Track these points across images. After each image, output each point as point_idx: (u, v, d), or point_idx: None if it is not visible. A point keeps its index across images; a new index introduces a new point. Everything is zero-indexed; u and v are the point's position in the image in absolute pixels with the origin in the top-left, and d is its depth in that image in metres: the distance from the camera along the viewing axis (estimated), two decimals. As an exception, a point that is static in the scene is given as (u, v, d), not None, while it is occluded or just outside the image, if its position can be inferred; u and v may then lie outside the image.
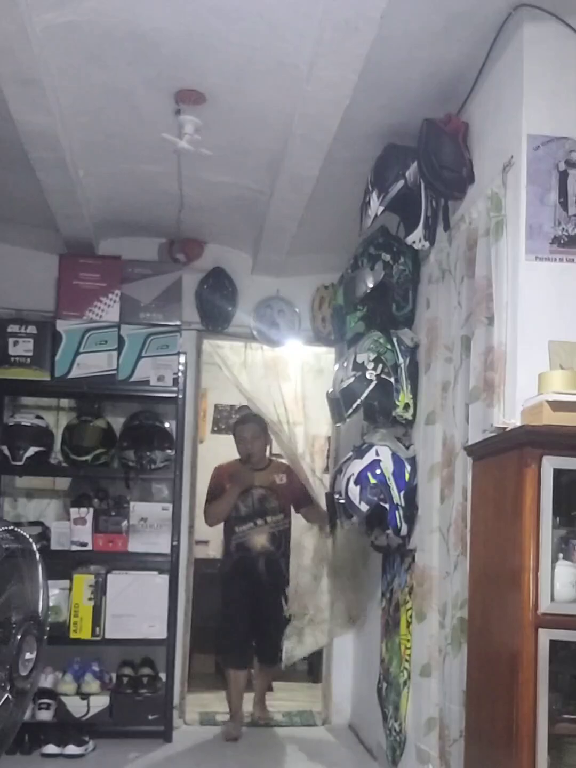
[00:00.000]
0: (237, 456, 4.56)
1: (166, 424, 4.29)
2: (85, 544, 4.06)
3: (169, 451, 4.21)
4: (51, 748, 3.74)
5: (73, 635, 4.01)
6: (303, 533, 4.53)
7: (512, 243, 2.43)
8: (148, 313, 4.21)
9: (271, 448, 4.74)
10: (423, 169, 2.85)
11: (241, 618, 4.33)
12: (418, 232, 3.03)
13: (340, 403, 3.41)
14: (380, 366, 3.25)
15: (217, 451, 5.12)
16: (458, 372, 2.75)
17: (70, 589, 4.05)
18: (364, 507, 3.22)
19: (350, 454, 3.48)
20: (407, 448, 3.33)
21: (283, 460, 4.68)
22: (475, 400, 2.51)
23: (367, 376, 3.25)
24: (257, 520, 4.36)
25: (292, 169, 3.30)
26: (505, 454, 2.23)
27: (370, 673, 3.93)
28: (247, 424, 4.49)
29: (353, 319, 3.65)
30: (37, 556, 2.61)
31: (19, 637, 2.43)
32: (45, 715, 3.86)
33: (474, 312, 2.57)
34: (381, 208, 2.97)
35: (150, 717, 3.94)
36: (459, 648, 2.57)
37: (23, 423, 4.11)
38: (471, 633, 2.47)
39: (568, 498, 2.15)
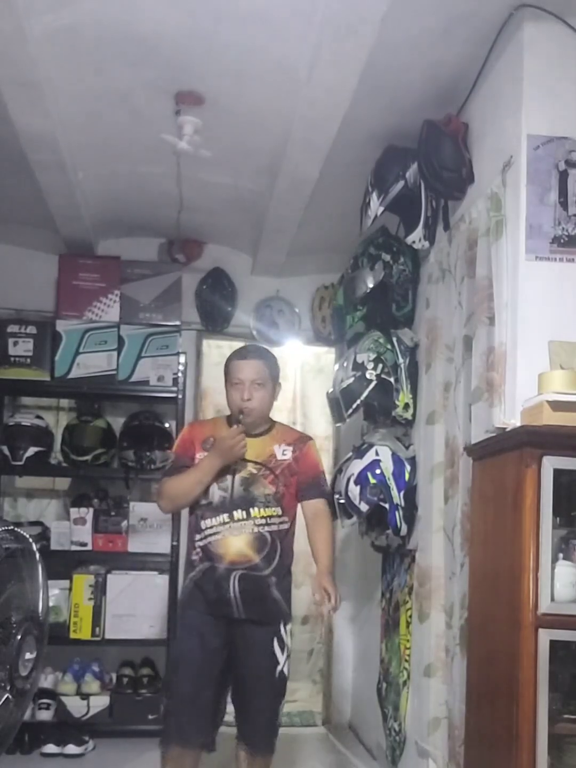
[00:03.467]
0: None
1: (166, 424, 4.29)
2: (85, 544, 4.06)
3: (169, 451, 4.20)
4: (51, 748, 3.74)
5: (73, 635, 4.00)
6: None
7: (512, 243, 2.43)
8: (147, 313, 4.21)
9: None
10: (423, 169, 2.85)
11: (199, 677, 2.74)
12: (418, 232, 3.03)
13: (340, 403, 3.41)
14: (380, 366, 3.25)
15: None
16: (459, 372, 2.75)
17: (70, 589, 4.04)
18: (364, 507, 3.22)
19: (350, 454, 3.48)
20: (407, 448, 3.33)
21: (295, 426, 3.50)
22: (478, 400, 2.51)
23: (367, 376, 3.25)
24: (236, 512, 2.76)
25: (291, 171, 3.30)
26: (505, 454, 2.23)
27: (370, 673, 3.93)
28: (248, 359, 2.85)
29: (353, 319, 3.65)
30: (37, 556, 2.61)
31: (19, 637, 2.43)
32: (45, 715, 3.86)
33: (475, 312, 2.57)
34: (381, 209, 2.97)
35: (150, 717, 3.93)
36: (466, 648, 2.56)
37: (23, 423, 4.11)
38: (471, 633, 2.47)
39: (568, 498, 2.15)
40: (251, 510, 2.76)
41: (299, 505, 2.88)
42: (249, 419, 2.78)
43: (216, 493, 2.78)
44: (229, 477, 2.78)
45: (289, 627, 2.83)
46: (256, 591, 2.74)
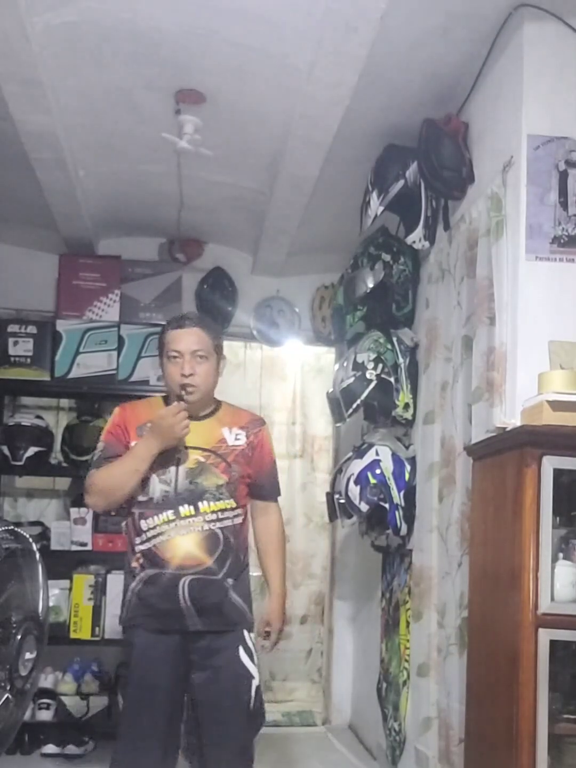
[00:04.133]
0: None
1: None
2: (85, 544, 4.06)
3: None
4: (51, 748, 3.74)
5: (73, 635, 4.00)
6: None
7: (512, 243, 2.42)
8: (148, 313, 4.21)
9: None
10: (423, 169, 2.85)
11: (154, 719, 2.39)
12: (418, 232, 3.03)
13: (340, 403, 3.41)
14: (380, 366, 3.25)
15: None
16: (458, 372, 2.75)
17: (70, 589, 4.04)
18: (364, 507, 3.22)
19: (350, 454, 3.48)
20: (407, 447, 3.33)
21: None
22: (478, 400, 2.51)
23: (367, 376, 3.25)
24: (183, 507, 2.42)
25: (292, 169, 3.30)
26: (505, 454, 2.23)
27: (370, 673, 3.93)
28: (186, 328, 2.48)
29: (353, 319, 3.65)
30: (37, 556, 2.60)
31: (19, 637, 2.42)
32: (45, 715, 3.85)
33: (475, 312, 2.57)
34: (381, 208, 2.97)
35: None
36: (465, 647, 2.56)
37: (23, 423, 4.10)
38: (471, 633, 2.47)
39: (568, 498, 2.15)
40: (200, 504, 2.38)
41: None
42: (193, 397, 2.41)
43: (157, 488, 2.40)
44: (172, 468, 2.40)
45: (252, 635, 2.46)
46: (210, 597, 2.38)
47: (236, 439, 2.50)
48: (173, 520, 2.39)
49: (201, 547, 2.39)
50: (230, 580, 2.41)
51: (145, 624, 2.41)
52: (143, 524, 2.42)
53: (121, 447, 2.45)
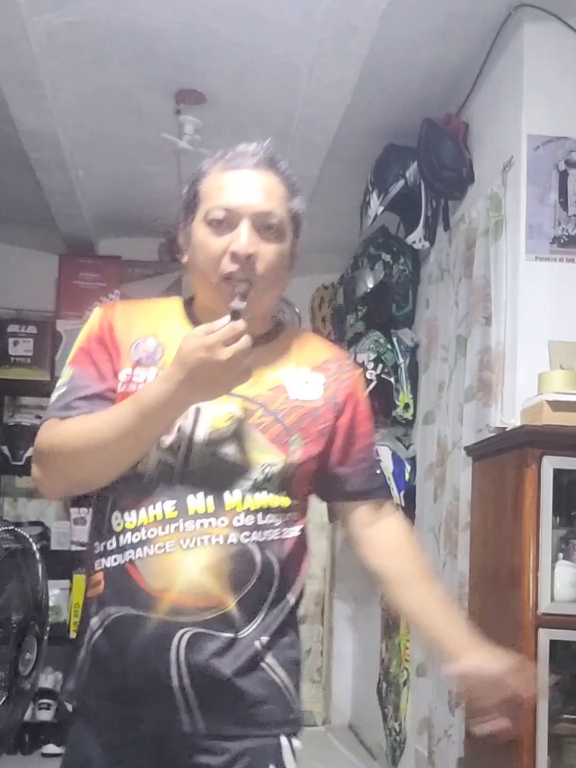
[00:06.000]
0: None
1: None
2: (85, 544, 4.05)
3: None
4: (51, 748, 3.73)
5: (73, 635, 4.00)
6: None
7: (512, 243, 2.42)
8: (148, 313, 4.21)
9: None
10: (423, 169, 2.85)
11: None
12: (418, 232, 3.03)
13: (340, 403, 3.40)
14: (380, 366, 3.25)
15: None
16: (453, 372, 2.75)
17: (70, 589, 4.04)
18: (364, 507, 3.22)
19: (350, 454, 3.47)
20: (407, 448, 3.33)
21: (324, 340, 1.49)
22: (471, 399, 2.51)
23: (367, 376, 3.25)
24: (192, 497, 1.24)
25: (292, 169, 3.30)
26: (505, 454, 2.23)
27: (370, 673, 3.92)
28: (249, 168, 1.33)
29: (353, 319, 3.65)
30: (37, 555, 2.61)
31: (19, 637, 2.43)
32: (45, 715, 3.85)
33: (471, 312, 2.57)
34: (381, 208, 2.97)
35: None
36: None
37: (23, 423, 4.11)
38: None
39: (568, 498, 2.15)
40: (226, 496, 1.24)
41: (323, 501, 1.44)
42: (257, 299, 1.26)
43: (152, 457, 1.26)
44: (182, 424, 1.25)
45: (297, 743, 1.30)
46: (225, 669, 1.23)
47: (306, 386, 1.35)
48: (173, 520, 1.23)
49: (219, 574, 1.23)
50: (264, 640, 1.26)
51: (98, 710, 1.28)
52: (115, 520, 1.26)
53: (103, 381, 1.29)
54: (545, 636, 2.02)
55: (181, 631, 1.22)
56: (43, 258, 4.35)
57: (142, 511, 1.25)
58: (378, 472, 1.52)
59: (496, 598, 2.25)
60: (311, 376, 1.36)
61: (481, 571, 2.41)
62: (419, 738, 2.94)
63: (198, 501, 1.24)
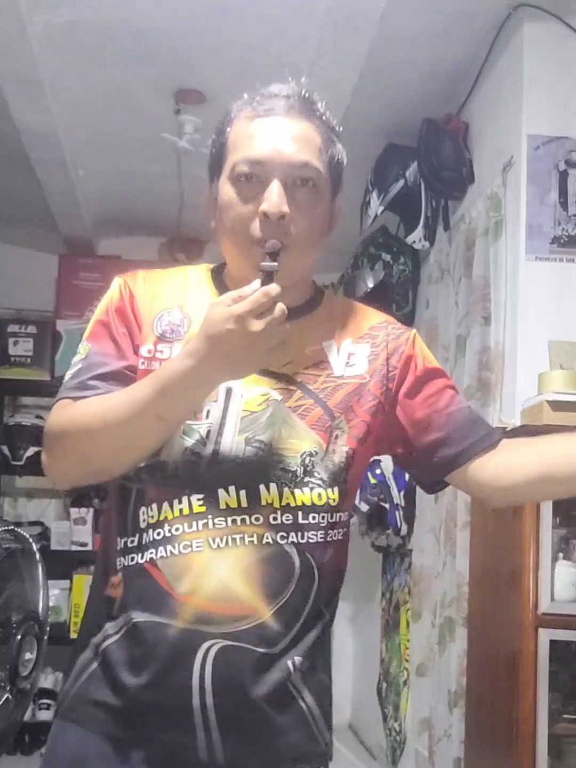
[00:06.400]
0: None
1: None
2: (85, 544, 4.06)
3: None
4: (51, 748, 3.74)
5: (73, 635, 4.00)
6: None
7: (512, 243, 2.42)
8: (148, 313, 4.21)
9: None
10: (423, 168, 2.85)
11: None
12: (418, 232, 3.03)
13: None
14: (380, 366, 3.26)
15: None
16: (452, 371, 2.75)
17: (70, 589, 4.04)
18: (364, 507, 3.22)
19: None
20: (407, 448, 3.33)
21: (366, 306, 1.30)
22: (471, 399, 2.51)
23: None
24: (224, 491, 1.11)
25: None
26: (505, 454, 2.23)
27: (370, 673, 3.92)
28: (281, 115, 1.22)
29: (353, 318, 3.64)
30: (37, 556, 2.60)
31: (19, 637, 2.43)
32: (45, 715, 3.84)
33: (470, 312, 2.57)
34: (381, 208, 2.97)
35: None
36: (445, 648, 2.57)
37: (23, 423, 4.11)
38: (471, 633, 2.47)
39: (567, 498, 2.15)
40: (262, 489, 1.12)
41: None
42: (289, 263, 1.16)
43: (176, 444, 1.13)
44: (211, 405, 1.14)
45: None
46: (257, 690, 1.11)
47: (351, 360, 1.21)
48: (201, 515, 1.11)
49: (252, 578, 1.10)
50: (298, 660, 1.18)
51: (99, 725, 1.16)
52: (140, 514, 1.14)
53: (123, 358, 1.19)
54: (545, 636, 2.02)
55: (207, 643, 1.09)
56: (43, 258, 4.35)
57: (165, 505, 1.12)
58: (478, 417, 1.31)
59: (496, 598, 2.25)
60: (355, 348, 1.22)
61: (481, 571, 2.41)
62: (419, 738, 2.94)
63: (229, 495, 1.11)
